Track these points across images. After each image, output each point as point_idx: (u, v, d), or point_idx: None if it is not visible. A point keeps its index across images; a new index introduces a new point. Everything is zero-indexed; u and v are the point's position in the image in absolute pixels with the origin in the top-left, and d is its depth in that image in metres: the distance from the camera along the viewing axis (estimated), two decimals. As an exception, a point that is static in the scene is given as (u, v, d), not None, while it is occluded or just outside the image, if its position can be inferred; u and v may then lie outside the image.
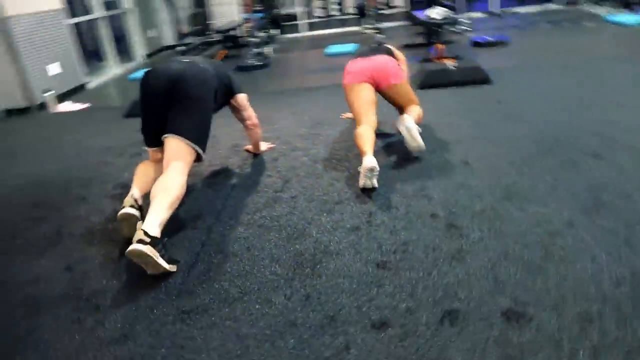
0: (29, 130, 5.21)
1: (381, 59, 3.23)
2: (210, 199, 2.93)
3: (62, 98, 6.25)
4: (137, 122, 2.80)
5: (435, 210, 2.49)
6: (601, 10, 8.44)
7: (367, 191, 2.76)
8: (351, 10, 11.39)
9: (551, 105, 3.93)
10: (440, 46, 5.77)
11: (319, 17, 12.26)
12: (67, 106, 6.02)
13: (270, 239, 2.42)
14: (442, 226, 2.35)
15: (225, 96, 3.00)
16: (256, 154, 3.55)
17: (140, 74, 3.88)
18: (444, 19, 6.25)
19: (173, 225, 2.55)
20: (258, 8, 9.12)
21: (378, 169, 2.72)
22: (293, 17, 11.06)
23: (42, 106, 5.96)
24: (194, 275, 2.20)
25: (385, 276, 2.03)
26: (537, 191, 2.58)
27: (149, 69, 2.69)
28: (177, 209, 2.68)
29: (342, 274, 2.08)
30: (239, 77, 4.96)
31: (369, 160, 2.70)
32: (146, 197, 2.45)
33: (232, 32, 9.06)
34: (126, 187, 2.67)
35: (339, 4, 12.19)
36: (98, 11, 7.70)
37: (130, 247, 2.07)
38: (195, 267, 2.26)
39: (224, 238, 2.48)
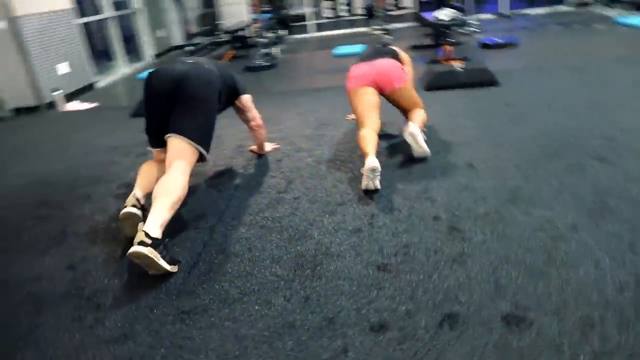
0: (38, 129, 5.25)
1: (384, 62, 3.21)
2: (213, 200, 2.94)
3: (71, 97, 6.31)
4: (143, 122, 2.81)
5: (438, 213, 2.48)
6: (612, 13, 8.36)
7: (370, 193, 2.76)
8: (360, 11, 11.37)
9: (559, 107, 3.90)
10: (448, 48, 5.74)
11: (328, 17, 12.25)
12: (75, 105, 6.06)
13: (271, 240, 2.42)
14: (444, 229, 2.34)
15: (229, 97, 3.00)
16: (261, 155, 3.55)
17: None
18: (452, 20, 6.22)
19: (176, 225, 2.56)
20: (266, 9, 9.12)
21: (380, 169, 2.72)
22: (302, 17, 11.07)
23: (51, 105, 6.01)
24: (194, 276, 2.20)
25: (386, 279, 2.02)
26: (541, 194, 2.56)
27: (153, 69, 2.70)
28: (180, 208, 2.69)
29: (342, 276, 2.07)
30: (246, 77, 4.95)
31: (371, 161, 2.70)
32: (149, 197, 2.47)
33: (240, 33, 9.08)
34: (131, 187, 2.68)
35: (348, 4, 12.17)
36: (107, 11, 7.75)
37: (132, 249, 2.08)
38: (196, 267, 2.26)
39: (225, 238, 2.48)
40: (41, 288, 2.26)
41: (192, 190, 3.08)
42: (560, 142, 3.20)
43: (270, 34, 8.52)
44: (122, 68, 8.09)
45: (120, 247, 2.49)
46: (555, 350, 1.58)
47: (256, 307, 1.95)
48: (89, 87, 6.89)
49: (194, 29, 9.15)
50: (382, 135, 3.28)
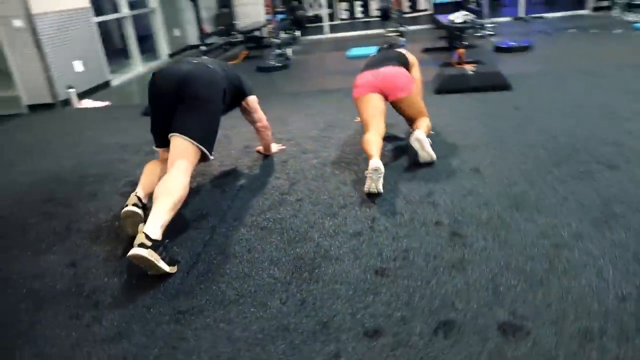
0: (50, 126, 5.32)
1: (390, 70, 3.19)
2: (217, 199, 2.94)
3: (86, 95, 6.38)
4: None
5: (440, 218, 2.45)
6: (632, 18, 8.20)
7: (373, 196, 2.74)
8: (376, 13, 11.34)
9: (570, 112, 3.83)
10: (461, 51, 5.68)
11: (343, 19, 12.25)
12: (89, 103, 6.13)
13: (271, 241, 2.42)
14: (445, 234, 2.31)
15: (235, 98, 3.00)
16: (267, 156, 3.55)
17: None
18: (465, 22, 6.16)
19: (177, 225, 2.57)
20: (280, 9, 9.14)
21: (383, 170, 2.72)
22: (317, 18, 11.08)
23: (66, 102, 6.08)
24: (193, 276, 2.20)
25: (383, 283, 2.00)
26: (547, 201, 2.51)
27: (158, 69, 2.72)
28: (183, 208, 2.71)
29: (339, 279, 2.06)
30: (258, 78, 4.96)
31: (375, 162, 2.71)
32: (151, 196, 2.47)
33: (255, 33, 9.12)
34: (137, 185, 2.69)
35: (364, 6, 12.15)
36: (124, 10, 7.83)
37: (131, 252, 2.09)
38: (195, 267, 2.27)
39: (226, 239, 2.48)
40: (42, 285, 2.28)
41: (196, 189, 3.10)
42: (569, 147, 3.15)
43: (284, 35, 8.54)
44: (138, 67, 8.16)
45: (122, 246, 2.50)
46: (551, 361, 1.55)
47: (251, 309, 1.94)
48: (104, 85, 6.97)
49: (209, 28, 9.20)
50: (387, 139, 3.25)
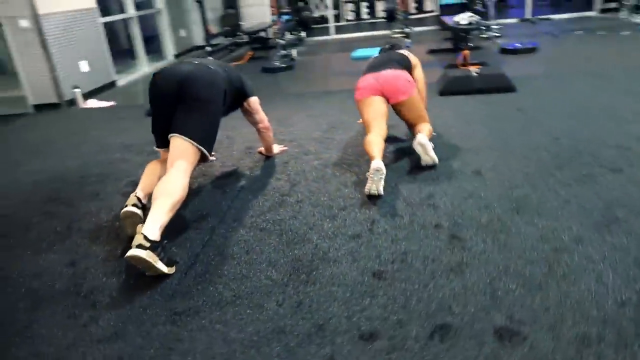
0: (55, 126, 5.35)
1: (390, 73, 3.17)
2: (217, 200, 2.94)
3: (92, 95, 6.41)
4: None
5: (439, 221, 2.44)
6: (640, 19, 8.15)
7: (373, 198, 2.72)
8: (382, 14, 11.33)
9: (574, 115, 3.80)
10: (466, 52, 5.66)
11: (349, 20, 12.24)
12: (94, 103, 6.15)
13: (270, 242, 2.41)
14: (444, 237, 2.29)
15: (236, 99, 3.00)
16: (268, 157, 3.55)
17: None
18: (470, 24, 6.13)
19: (177, 225, 2.58)
20: (285, 10, 9.14)
21: (384, 171, 2.72)
22: (323, 19, 11.08)
23: (72, 102, 6.12)
24: (191, 277, 2.20)
25: (380, 286, 1.99)
26: (548, 204, 2.49)
27: (158, 70, 2.72)
28: (184, 208, 2.72)
29: (336, 282, 2.05)
30: (263, 78, 4.94)
31: (376, 162, 2.71)
32: (151, 196, 2.47)
33: (260, 34, 9.13)
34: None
35: (370, 7, 12.14)
36: (130, 11, 7.86)
37: (129, 253, 2.09)
38: (193, 268, 2.27)
39: (225, 240, 2.48)
40: (41, 284, 2.29)
41: (197, 190, 3.11)
42: (572, 150, 3.12)
43: (290, 36, 8.54)
44: (143, 67, 8.19)
45: (121, 246, 2.51)
46: (547, 367, 1.53)
47: (248, 311, 1.93)
48: (110, 86, 7.00)
49: (214, 29, 9.22)
50: (388, 140, 3.24)
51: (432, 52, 7.07)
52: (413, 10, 11.76)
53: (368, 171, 2.76)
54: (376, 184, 2.71)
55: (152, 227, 2.17)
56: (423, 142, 2.97)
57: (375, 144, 2.88)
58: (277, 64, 7.08)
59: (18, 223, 2.97)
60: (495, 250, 2.15)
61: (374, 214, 2.58)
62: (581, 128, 3.50)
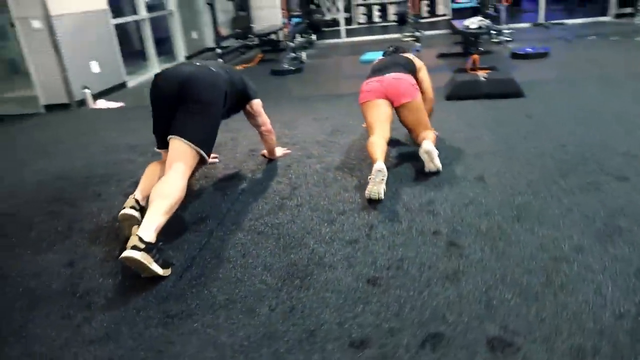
0: (64, 126, 5.39)
1: (394, 76, 3.15)
2: (217, 203, 2.94)
3: (102, 95, 6.46)
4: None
5: (438, 227, 2.41)
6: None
7: (373, 203, 2.70)
8: (393, 18, 11.30)
9: (583, 121, 3.74)
10: (475, 57, 5.61)
11: (360, 23, 12.23)
12: (103, 104, 6.20)
13: (267, 246, 2.40)
14: (442, 244, 2.26)
15: (239, 101, 3.00)
16: (271, 160, 3.54)
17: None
18: (480, 28, 6.08)
19: (176, 227, 2.59)
20: (296, 13, 9.15)
21: (386, 173, 2.70)
22: (334, 22, 11.07)
23: (82, 103, 6.17)
24: (186, 279, 2.20)
25: (374, 293, 1.97)
26: (550, 213, 2.45)
27: (160, 71, 2.73)
28: (184, 210, 2.74)
29: (330, 287, 2.03)
30: (271, 81, 4.92)
31: (378, 164, 2.71)
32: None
33: (271, 36, 9.14)
34: (141, 186, 2.70)
35: (382, 10, 12.12)
36: (142, 13, 7.92)
37: (124, 254, 2.09)
38: (189, 271, 2.26)
39: (222, 243, 2.47)
40: (39, 284, 2.30)
41: (198, 192, 3.11)
42: (579, 157, 3.07)
43: (300, 39, 8.54)
44: (154, 68, 8.23)
45: (120, 247, 2.51)
46: (539, 379, 1.50)
47: (240, 316, 1.92)
48: (120, 86, 7.05)
49: (225, 31, 9.25)
50: (391, 144, 3.22)
51: (442, 56, 7.02)
52: (425, 14, 11.71)
53: (369, 175, 2.74)
54: (377, 186, 2.69)
55: (148, 229, 2.17)
56: (429, 149, 2.94)
57: (378, 145, 2.87)
58: (286, 66, 7.08)
59: (21, 222, 3.00)
60: (493, 258, 2.12)
61: (373, 219, 2.55)
62: (589, 135, 3.44)
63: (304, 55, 7.94)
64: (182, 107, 2.55)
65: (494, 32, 7.23)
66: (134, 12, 7.86)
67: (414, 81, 3.20)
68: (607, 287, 1.87)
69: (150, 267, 2.12)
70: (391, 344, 1.69)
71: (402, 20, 9.12)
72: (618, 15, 9.34)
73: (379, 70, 3.29)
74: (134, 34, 8.63)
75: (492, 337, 1.68)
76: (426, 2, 11.82)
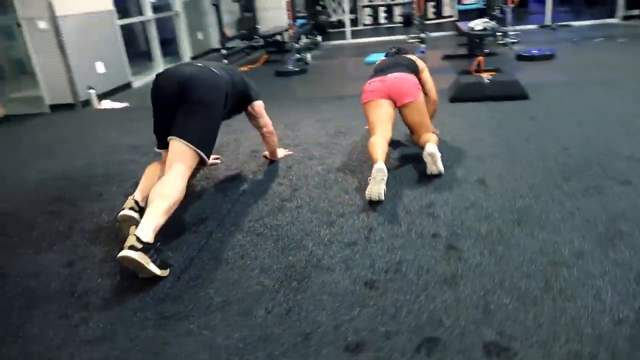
0: (69, 126, 5.42)
1: (396, 77, 3.14)
2: (217, 204, 2.94)
3: (107, 96, 6.48)
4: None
5: (438, 230, 2.39)
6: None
7: (373, 204, 2.69)
8: (399, 19, 11.27)
9: (588, 124, 3.71)
10: (480, 58, 5.59)
11: (366, 24, 12.22)
12: (108, 104, 6.23)
13: (265, 248, 2.39)
14: (441, 247, 2.25)
15: (240, 102, 3.00)
16: (273, 161, 3.54)
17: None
18: (485, 30, 6.05)
19: (175, 228, 2.59)
20: (301, 14, 9.15)
21: (386, 173, 2.70)
22: (340, 23, 11.07)
23: (87, 103, 6.20)
24: (183, 280, 2.20)
25: (371, 296, 1.96)
26: (551, 216, 2.43)
27: (161, 71, 2.73)
28: (184, 212, 2.73)
29: (327, 290, 2.02)
30: (275, 82, 4.91)
31: (379, 164, 2.70)
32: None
33: (277, 37, 9.15)
34: (141, 187, 2.71)
35: (388, 12, 12.10)
36: (147, 14, 7.95)
37: (121, 253, 2.09)
38: (187, 272, 2.26)
39: (221, 244, 2.47)
40: (38, 283, 2.31)
41: (199, 193, 3.11)
42: (582, 160, 3.05)
43: (305, 40, 8.54)
44: (160, 69, 8.25)
45: (119, 247, 2.48)
46: (535, 385, 1.48)
47: (236, 318, 1.92)
48: (125, 87, 7.08)
49: (230, 32, 9.26)
50: (392, 144, 3.21)
51: (447, 57, 7.00)
52: (431, 16, 11.68)
53: (370, 177, 2.73)
54: (377, 186, 2.68)
55: (146, 229, 2.17)
56: (433, 152, 2.93)
57: (379, 146, 2.86)
58: (290, 67, 7.09)
59: (22, 222, 3.01)
60: (491, 262, 2.10)
61: (372, 221, 2.54)
62: (593, 138, 3.42)
63: (308, 56, 7.94)
64: (183, 107, 2.55)
65: (500, 34, 7.19)
66: (140, 13, 7.89)
67: (416, 81, 3.19)
68: (606, 292, 1.85)
69: (148, 267, 2.12)
70: (387, 348, 1.68)
71: (407, 21, 9.09)
72: (626, 17, 9.27)
73: (381, 70, 3.28)
74: (139, 34, 8.67)
75: (489, 341, 1.66)
76: (432, 3, 11.80)
